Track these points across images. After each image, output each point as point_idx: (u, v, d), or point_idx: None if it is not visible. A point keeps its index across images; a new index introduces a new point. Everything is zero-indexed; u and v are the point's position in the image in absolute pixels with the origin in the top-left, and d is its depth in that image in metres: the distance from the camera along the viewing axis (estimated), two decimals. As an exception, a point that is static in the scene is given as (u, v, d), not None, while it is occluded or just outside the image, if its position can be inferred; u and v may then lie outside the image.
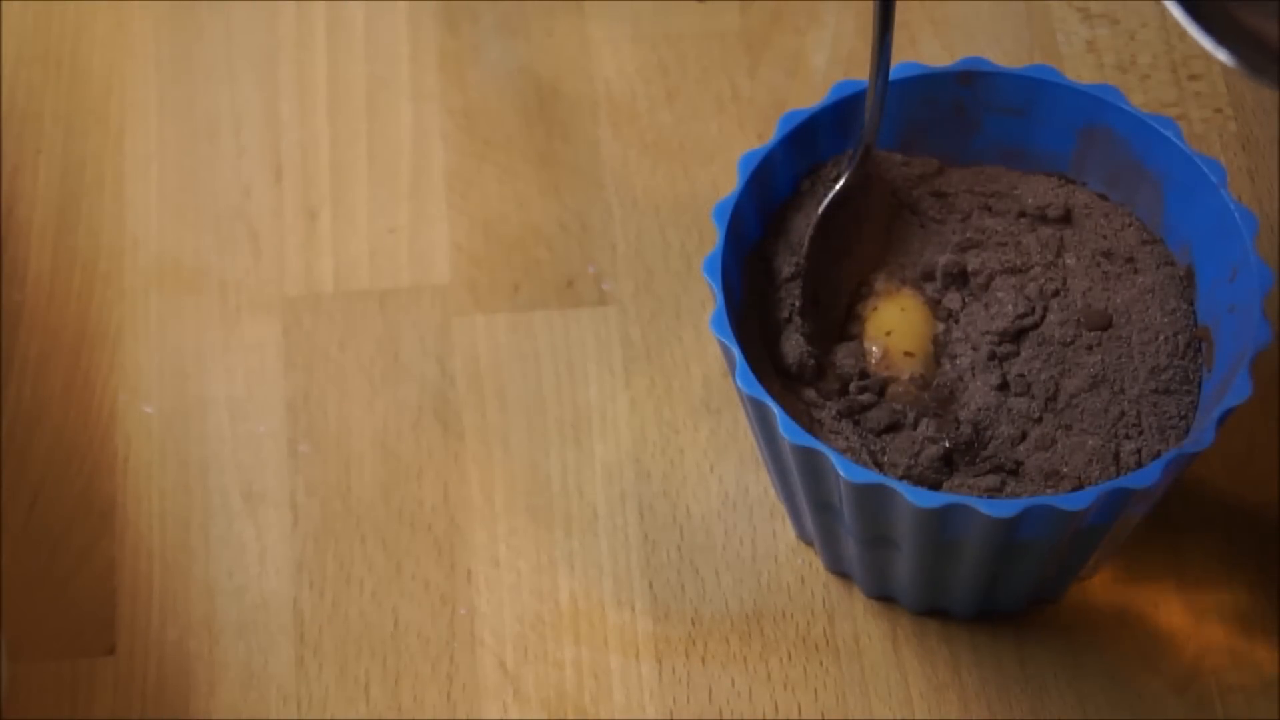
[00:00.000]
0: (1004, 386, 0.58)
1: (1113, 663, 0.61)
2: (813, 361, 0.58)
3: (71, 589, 0.63)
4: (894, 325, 0.59)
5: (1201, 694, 0.60)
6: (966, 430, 0.57)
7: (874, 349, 0.59)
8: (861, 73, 0.58)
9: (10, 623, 0.61)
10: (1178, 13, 0.45)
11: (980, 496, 0.56)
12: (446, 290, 0.68)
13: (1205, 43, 0.45)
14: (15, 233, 0.68)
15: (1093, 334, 0.58)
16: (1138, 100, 0.70)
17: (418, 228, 0.69)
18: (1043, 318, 0.59)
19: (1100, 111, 0.59)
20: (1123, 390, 0.57)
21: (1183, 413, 0.57)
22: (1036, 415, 0.58)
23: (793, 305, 0.59)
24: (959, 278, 0.60)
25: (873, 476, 0.53)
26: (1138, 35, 0.72)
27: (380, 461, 0.65)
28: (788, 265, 0.59)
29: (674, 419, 0.65)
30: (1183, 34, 0.72)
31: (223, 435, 0.65)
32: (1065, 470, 0.57)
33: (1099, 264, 0.59)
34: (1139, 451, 0.56)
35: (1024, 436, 0.57)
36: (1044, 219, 0.60)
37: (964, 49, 0.71)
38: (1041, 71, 0.59)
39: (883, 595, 0.62)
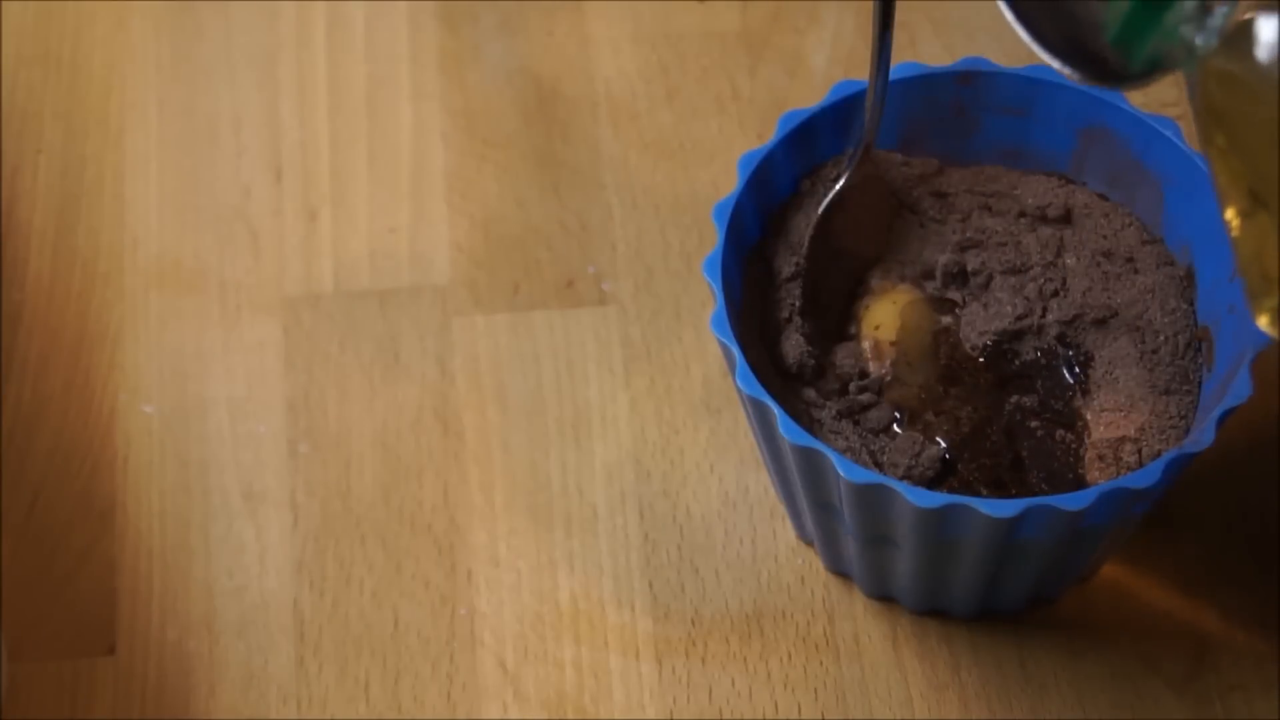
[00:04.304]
0: (1003, 386, 0.58)
1: (1113, 663, 0.61)
2: (813, 361, 0.58)
3: (71, 589, 0.63)
4: (885, 320, 0.59)
5: (1201, 694, 0.60)
6: (966, 430, 0.57)
7: (868, 346, 0.59)
8: (861, 73, 0.58)
9: (10, 623, 0.61)
10: (1008, 14, 0.47)
11: (980, 496, 0.56)
12: (446, 290, 0.68)
13: (1034, 47, 0.47)
14: (15, 233, 0.68)
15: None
16: (1138, 100, 0.69)
17: (418, 228, 0.69)
18: (1042, 318, 0.59)
19: (1100, 111, 0.59)
20: (1123, 390, 0.58)
21: (1183, 413, 0.57)
22: (1036, 415, 0.58)
23: (793, 305, 0.59)
24: (959, 277, 0.60)
25: (873, 476, 0.53)
26: (1138, 35, 0.72)
27: (380, 461, 0.65)
28: (788, 265, 0.59)
29: (674, 419, 0.65)
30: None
31: (223, 435, 0.65)
32: (1065, 470, 0.57)
33: (1099, 264, 0.59)
34: (1139, 451, 0.57)
35: (1025, 436, 0.57)
36: (1044, 219, 0.60)
37: (964, 49, 0.71)
38: (1041, 71, 0.59)
39: (883, 595, 0.62)
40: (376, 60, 0.72)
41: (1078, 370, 0.59)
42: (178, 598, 0.62)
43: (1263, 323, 0.45)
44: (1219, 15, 0.44)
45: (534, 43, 0.72)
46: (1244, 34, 0.44)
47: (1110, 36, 0.46)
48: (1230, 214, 0.45)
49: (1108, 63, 0.46)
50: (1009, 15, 0.47)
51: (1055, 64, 0.47)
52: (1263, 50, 0.44)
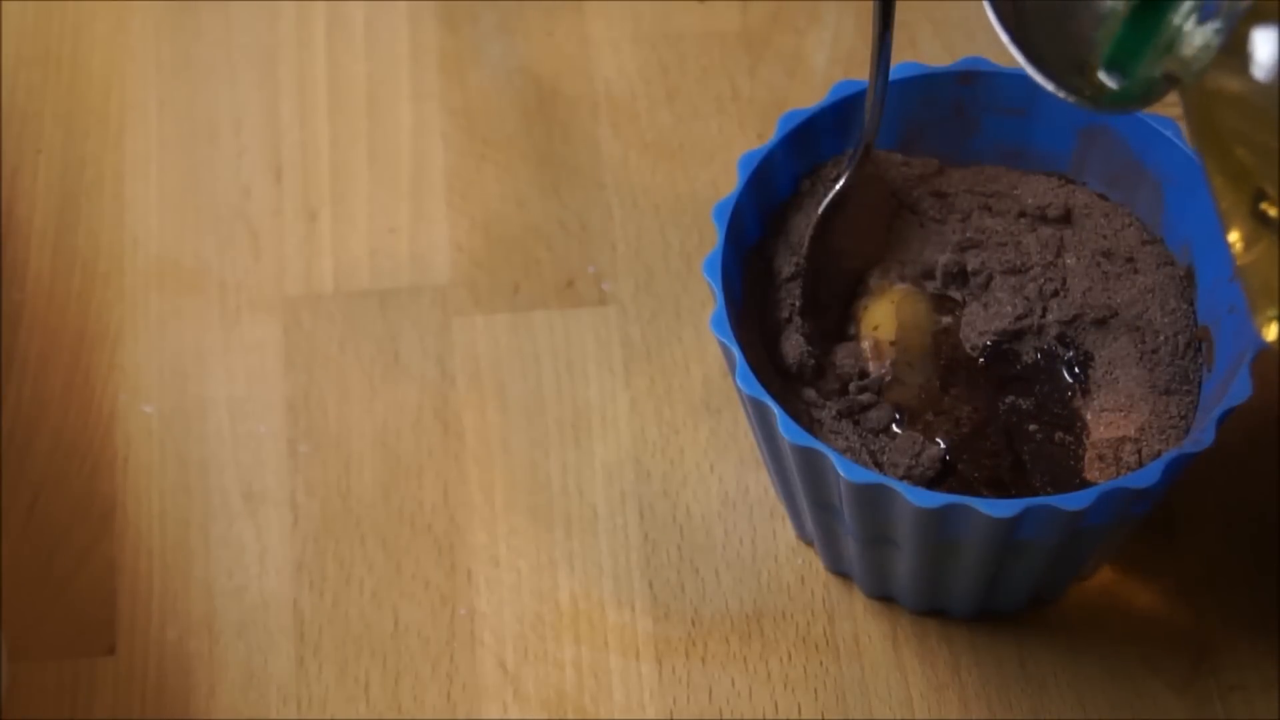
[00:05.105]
0: (1003, 386, 0.58)
1: (1113, 663, 0.61)
2: (813, 361, 0.58)
3: (71, 589, 0.63)
4: (883, 320, 0.59)
5: (1201, 694, 0.60)
6: (966, 430, 0.57)
7: (868, 346, 0.59)
8: (861, 73, 0.58)
9: (10, 623, 0.61)
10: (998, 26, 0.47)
11: (980, 496, 0.56)
12: (446, 290, 0.68)
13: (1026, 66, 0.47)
14: (15, 233, 0.68)
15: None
16: (1138, 100, 0.69)
17: (418, 228, 0.69)
18: (1042, 318, 0.59)
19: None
20: (1123, 390, 0.58)
21: (1183, 413, 0.57)
22: (1036, 415, 0.58)
23: (793, 305, 0.59)
24: (959, 277, 0.60)
25: (873, 476, 0.53)
26: (1138, 35, 0.72)
27: (380, 461, 0.65)
28: (788, 265, 0.59)
29: (674, 419, 0.65)
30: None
31: (223, 435, 0.65)
32: (1065, 470, 0.57)
33: (1099, 264, 0.59)
34: (1139, 451, 0.57)
35: (1025, 436, 0.57)
36: (1044, 219, 0.60)
37: (964, 49, 0.71)
38: (1041, 71, 0.59)
39: (883, 595, 0.62)
40: (376, 60, 0.72)
41: (1078, 370, 0.59)
42: (178, 598, 0.62)
43: (1269, 335, 0.45)
44: (1213, 32, 0.44)
45: (534, 43, 0.72)
46: (1239, 50, 0.44)
47: (1104, 58, 0.46)
48: (1234, 237, 0.45)
49: (1103, 88, 0.46)
50: (1005, 38, 0.47)
51: (1050, 86, 0.47)
52: (1260, 70, 0.43)
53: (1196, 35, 0.44)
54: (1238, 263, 0.45)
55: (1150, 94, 0.46)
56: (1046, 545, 0.56)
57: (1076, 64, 0.46)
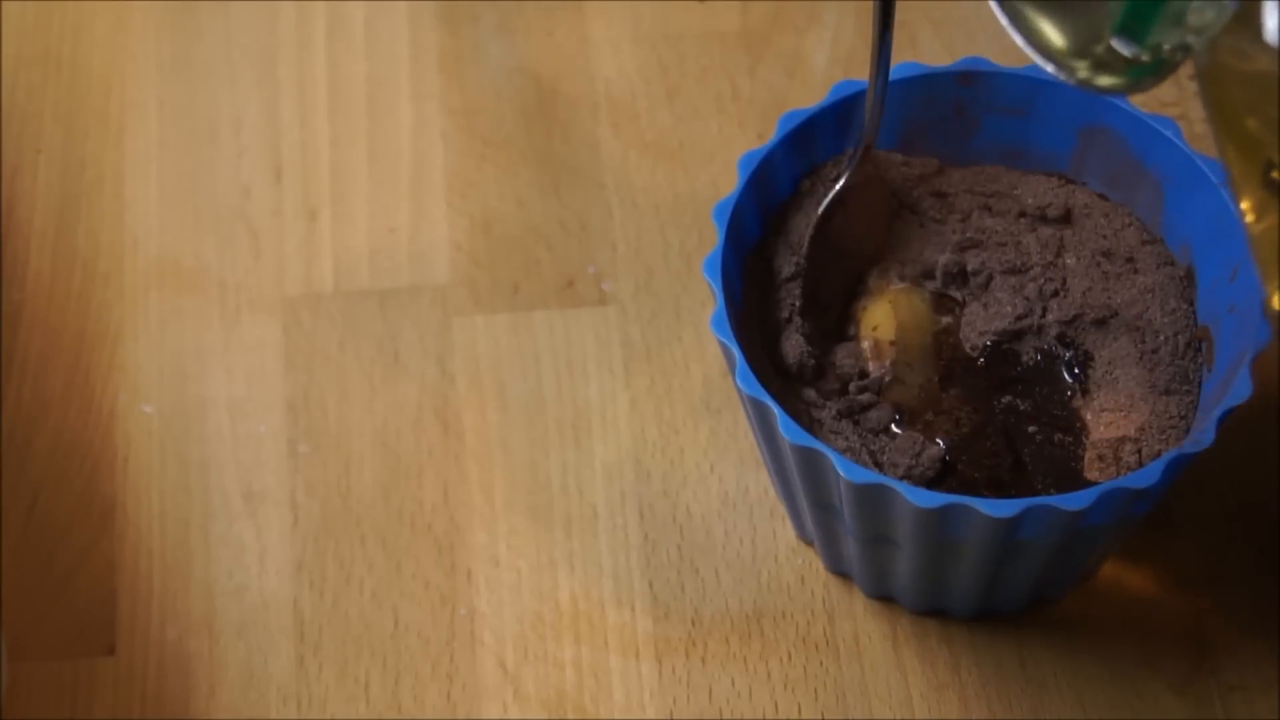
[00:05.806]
0: (1003, 386, 0.58)
1: (1113, 663, 0.61)
2: (813, 361, 0.58)
3: (71, 589, 0.63)
4: (882, 320, 0.59)
5: (1201, 694, 0.60)
6: (966, 430, 0.57)
7: (867, 346, 0.59)
8: (861, 73, 0.58)
9: (10, 623, 0.61)
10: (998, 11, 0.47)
11: (980, 496, 0.56)
12: (446, 290, 0.68)
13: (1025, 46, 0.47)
14: (15, 233, 0.68)
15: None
16: (1138, 100, 0.69)
17: (418, 228, 0.69)
18: (1042, 318, 0.59)
19: (1100, 111, 0.59)
20: (1123, 390, 0.57)
21: (1183, 413, 0.57)
22: (1036, 415, 0.58)
23: (793, 305, 0.59)
24: (959, 277, 0.60)
25: (873, 476, 0.53)
26: (1138, 35, 0.72)
27: (380, 461, 0.65)
28: (788, 265, 0.59)
29: (674, 419, 0.65)
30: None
31: (223, 435, 0.65)
32: (1065, 470, 0.57)
33: (1099, 264, 0.59)
34: (1139, 451, 0.57)
35: (1025, 436, 0.57)
36: (1044, 219, 0.60)
37: (964, 49, 0.71)
38: (1041, 71, 0.59)
39: (883, 595, 0.62)
40: (376, 60, 0.72)
41: (1077, 370, 0.59)
42: (178, 598, 0.62)
43: (1278, 303, 0.45)
44: (1225, 0, 0.44)
45: (534, 43, 0.72)
46: (1250, 21, 0.44)
47: (1115, 25, 0.46)
48: (1246, 206, 0.45)
49: (1112, 63, 0.46)
50: (1005, 22, 0.47)
51: (1051, 68, 0.47)
52: (1270, 39, 0.43)
53: (1208, 4, 0.44)
54: (1249, 232, 0.45)
55: (1160, 69, 0.46)
56: (1047, 545, 0.56)
57: (1090, 37, 0.46)
